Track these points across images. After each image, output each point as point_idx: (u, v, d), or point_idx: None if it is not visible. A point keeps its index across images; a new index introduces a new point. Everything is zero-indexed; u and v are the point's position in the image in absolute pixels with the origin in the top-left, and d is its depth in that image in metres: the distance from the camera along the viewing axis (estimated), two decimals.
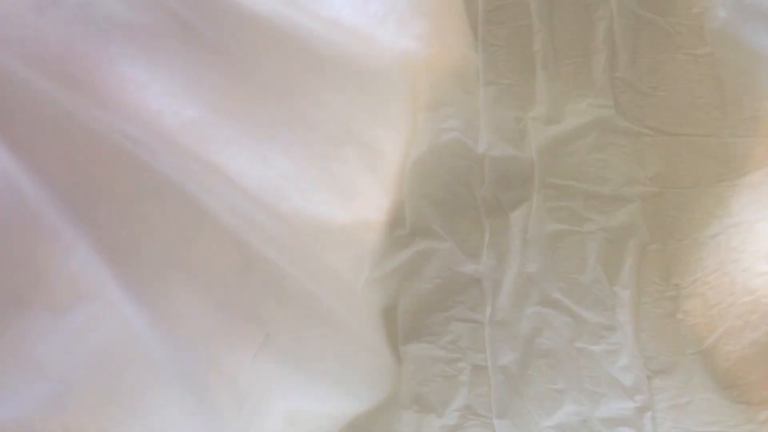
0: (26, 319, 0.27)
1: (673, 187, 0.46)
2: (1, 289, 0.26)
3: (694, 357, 0.43)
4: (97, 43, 0.28)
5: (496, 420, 0.42)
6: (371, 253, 0.41)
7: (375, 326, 0.42)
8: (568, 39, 0.47)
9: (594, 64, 0.47)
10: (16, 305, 0.27)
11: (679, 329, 0.44)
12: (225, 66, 0.31)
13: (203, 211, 0.29)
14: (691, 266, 0.45)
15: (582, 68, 0.47)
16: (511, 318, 0.44)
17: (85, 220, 0.27)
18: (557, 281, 0.44)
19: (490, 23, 0.47)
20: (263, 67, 0.33)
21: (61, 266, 0.26)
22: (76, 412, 0.28)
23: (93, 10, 0.27)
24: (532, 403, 0.43)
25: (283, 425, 0.36)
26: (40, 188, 0.26)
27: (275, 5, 0.34)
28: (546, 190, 0.45)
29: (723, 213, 0.45)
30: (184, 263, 0.29)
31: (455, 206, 0.45)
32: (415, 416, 0.43)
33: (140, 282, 0.28)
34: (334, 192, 0.38)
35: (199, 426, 0.31)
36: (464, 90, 0.45)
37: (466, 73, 0.45)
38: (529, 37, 0.47)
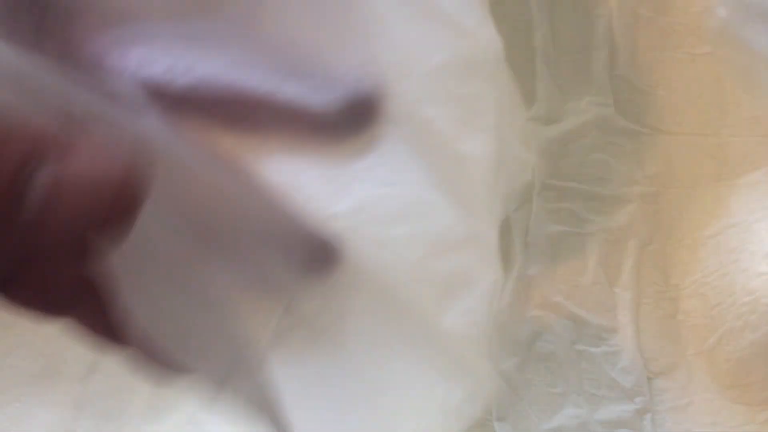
0: None
1: (671, 186, 0.46)
2: None
3: (694, 358, 0.43)
4: None
5: (496, 423, 0.42)
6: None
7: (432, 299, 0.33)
8: (568, 35, 0.46)
9: (594, 61, 0.46)
10: None
11: (680, 330, 0.44)
12: (241, 22, 0.28)
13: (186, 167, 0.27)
14: (690, 267, 0.45)
15: (582, 65, 0.46)
16: (511, 322, 0.44)
17: None
18: (557, 284, 0.44)
19: (491, 17, 0.46)
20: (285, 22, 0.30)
21: None
22: None
23: None
24: (532, 407, 0.43)
25: None
26: None
27: None
28: (546, 192, 0.45)
29: (722, 213, 0.45)
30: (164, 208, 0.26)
31: None
32: None
33: None
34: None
35: None
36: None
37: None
38: (529, 33, 0.46)
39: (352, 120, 0.25)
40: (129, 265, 0.20)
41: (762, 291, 0.40)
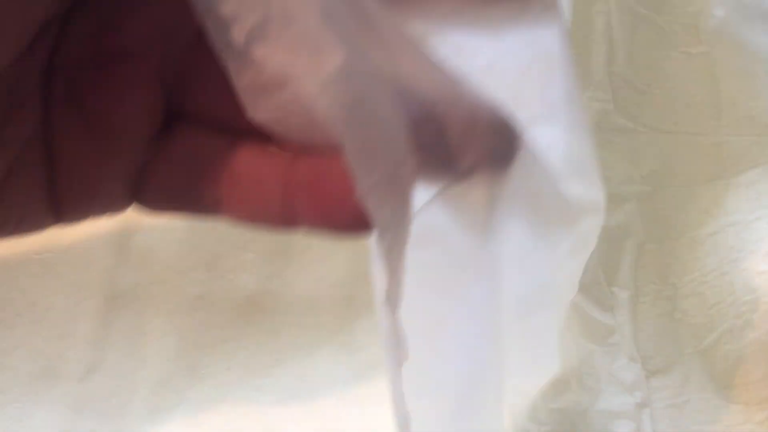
0: None
1: (667, 185, 0.46)
2: None
3: (692, 356, 0.43)
4: None
5: None
6: None
7: None
8: (569, 29, 0.46)
9: (594, 56, 0.46)
10: None
11: (678, 329, 0.44)
12: None
13: None
14: (687, 265, 0.45)
15: (582, 59, 0.46)
16: None
17: None
18: None
19: None
20: None
21: None
22: None
23: None
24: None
25: None
26: None
27: None
28: None
29: (718, 212, 0.45)
30: None
31: None
32: None
33: None
34: None
35: None
36: None
37: None
38: None
39: None
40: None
41: (763, 289, 0.41)
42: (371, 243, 0.23)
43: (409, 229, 0.22)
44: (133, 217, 0.43)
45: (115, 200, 0.23)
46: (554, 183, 0.24)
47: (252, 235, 0.43)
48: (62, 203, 0.22)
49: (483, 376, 0.26)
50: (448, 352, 0.25)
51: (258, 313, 0.43)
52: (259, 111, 0.21)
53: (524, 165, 0.22)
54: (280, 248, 0.43)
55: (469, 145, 0.22)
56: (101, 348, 0.42)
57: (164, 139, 0.22)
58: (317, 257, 0.43)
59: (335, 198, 0.21)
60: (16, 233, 0.22)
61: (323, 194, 0.21)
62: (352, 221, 0.21)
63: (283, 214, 0.22)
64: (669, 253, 0.45)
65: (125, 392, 0.41)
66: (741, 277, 0.42)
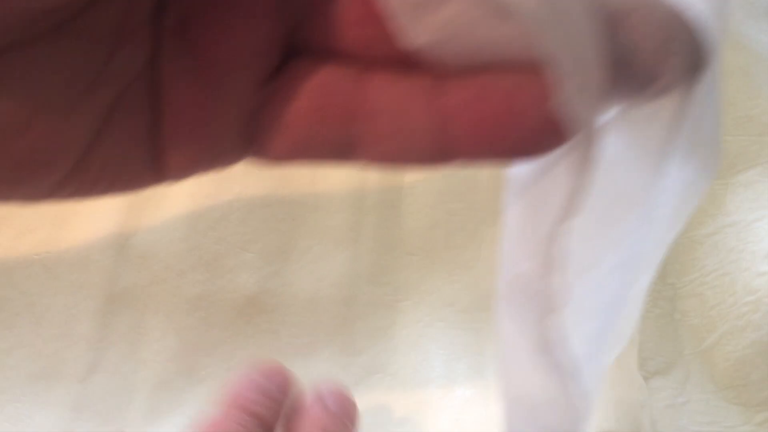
0: None
1: None
2: None
3: (691, 357, 0.43)
4: None
5: None
6: None
7: None
8: None
9: None
10: None
11: (677, 330, 0.44)
12: None
13: None
14: (687, 266, 0.44)
15: None
16: None
17: None
18: None
19: None
20: None
21: None
22: None
23: None
24: None
25: None
26: None
27: None
28: None
29: (717, 212, 0.44)
30: None
31: None
32: None
33: None
34: None
35: None
36: None
37: None
38: None
39: None
40: None
41: (764, 290, 0.40)
42: (509, 175, 0.21)
43: (597, 146, 0.19)
44: (133, 217, 0.43)
45: (228, 150, 0.20)
46: (717, 123, 0.21)
47: (252, 235, 0.43)
48: (166, 155, 0.20)
49: (606, 341, 0.23)
50: (592, 303, 0.22)
51: (258, 313, 0.43)
52: (418, 33, 0.19)
53: (704, 95, 0.20)
54: (280, 248, 0.43)
55: (663, 62, 0.19)
56: (101, 348, 0.41)
57: (283, 78, 0.20)
58: (317, 257, 0.43)
59: (500, 119, 0.18)
60: (111, 191, 0.20)
61: (485, 116, 0.18)
62: (519, 144, 0.19)
63: (436, 145, 0.19)
64: (668, 253, 0.45)
65: (125, 392, 0.41)
66: (741, 277, 0.42)
